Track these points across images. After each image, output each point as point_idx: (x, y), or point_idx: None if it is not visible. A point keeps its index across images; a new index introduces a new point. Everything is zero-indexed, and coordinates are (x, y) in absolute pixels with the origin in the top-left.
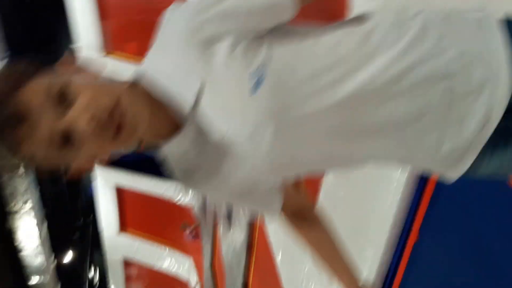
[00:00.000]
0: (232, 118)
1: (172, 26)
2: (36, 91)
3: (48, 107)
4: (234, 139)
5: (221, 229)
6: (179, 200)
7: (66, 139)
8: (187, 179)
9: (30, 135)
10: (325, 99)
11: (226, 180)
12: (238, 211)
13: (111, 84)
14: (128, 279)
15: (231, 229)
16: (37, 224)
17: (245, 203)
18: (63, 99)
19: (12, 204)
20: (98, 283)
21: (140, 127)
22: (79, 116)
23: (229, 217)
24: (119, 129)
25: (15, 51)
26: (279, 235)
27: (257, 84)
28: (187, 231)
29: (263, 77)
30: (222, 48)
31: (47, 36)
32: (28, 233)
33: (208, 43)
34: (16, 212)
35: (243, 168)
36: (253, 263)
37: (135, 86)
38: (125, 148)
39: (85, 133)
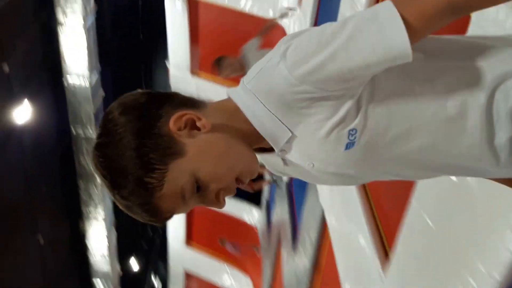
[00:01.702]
0: (318, 161)
1: (276, 72)
2: (171, 197)
3: (189, 202)
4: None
5: (284, 252)
6: (245, 219)
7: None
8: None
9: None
10: (410, 156)
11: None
12: (304, 234)
13: (224, 147)
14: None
15: (296, 253)
16: (107, 233)
17: None
18: (197, 189)
19: (86, 210)
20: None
21: (254, 173)
22: (217, 197)
23: (294, 239)
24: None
25: (109, 65)
26: (349, 263)
27: (350, 145)
28: (229, 245)
29: (355, 140)
30: (319, 112)
31: (141, 53)
32: (97, 240)
33: (307, 104)
34: (88, 218)
35: None
36: None
37: (236, 113)
38: None
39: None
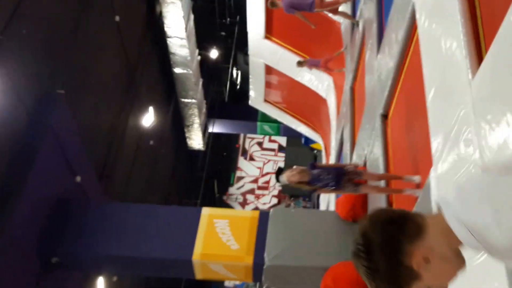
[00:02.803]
0: None
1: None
2: None
3: None
4: None
5: (368, 53)
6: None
7: None
8: None
9: None
10: None
11: None
12: (391, 34)
13: (450, 271)
14: (268, 84)
15: (379, 54)
16: (184, 16)
17: None
18: None
19: None
20: (239, 84)
21: None
22: None
23: (379, 38)
24: None
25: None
26: (436, 66)
27: None
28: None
29: None
30: None
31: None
32: (175, 23)
33: None
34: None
35: None
36: (397, 94)
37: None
38: None
39: None
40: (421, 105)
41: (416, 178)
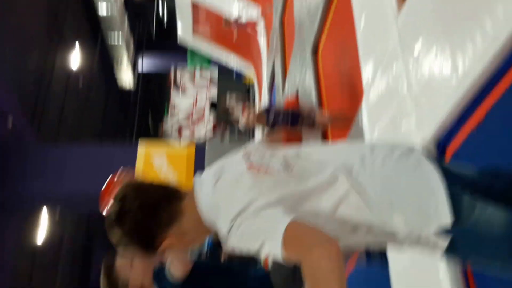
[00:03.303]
0: None
1: None
2: None
3: None
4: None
5: None
6: None
7: None
8: None
9: None
10: None
11: None
12: None
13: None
14: (195, 19)
15: None
16: None
17: None
18: None
19: None
20: (166, 23)
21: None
22: None
23: None
24: None
25: None
26: (365, 5)
27: None
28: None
29: None
30: None
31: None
32: None
33: None
34: None
35: None
36: (328, 25)
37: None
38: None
39: None
40: (351, 39)
41: None
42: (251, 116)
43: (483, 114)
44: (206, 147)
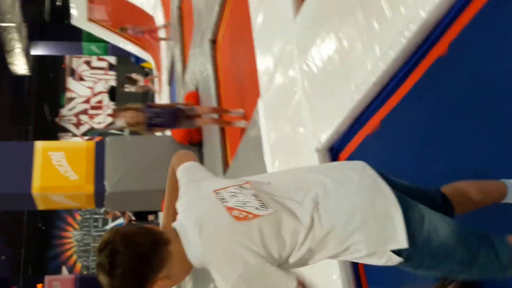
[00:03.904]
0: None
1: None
2: None
3: None
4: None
5: None
6: None
7: None
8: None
9: None
10: None
11: None
12: None
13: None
14: (90, 0)
15: None
16: None
17: None
18: None
19: None
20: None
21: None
22: None
23: None
24: None
25: None
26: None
27: None
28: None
29: None
30: None
31: None
32: None
33: None
34: None
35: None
36: (225, 19)
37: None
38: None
39: None
40: (248, 35)
41: (241, 111)
42: (133, 116)
43: (378, 121)
44: (107, 142)
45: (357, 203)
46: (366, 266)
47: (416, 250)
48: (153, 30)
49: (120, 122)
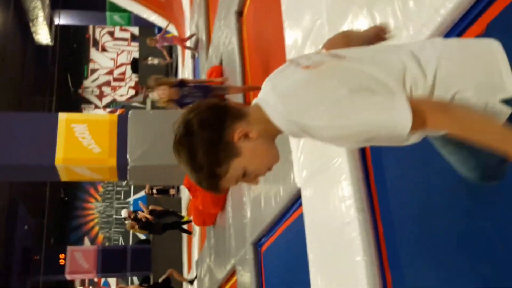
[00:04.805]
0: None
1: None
2: (229, 181)
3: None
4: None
5: None
6: None
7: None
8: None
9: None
10: None
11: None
12: None
13: (265, 151)
14: None
15: None
16: None
17: None
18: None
19: None
20: None
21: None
22: (255, 179)
23: None
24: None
25: None
26: None
27: None
28: None
29: None
30: None
31: None
32: None
33: None
34: None
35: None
36: None
37: (267, 120)
38: None
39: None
40: (277, 4)
41: None
42: (165, 92)
43: None
44: (129, 116)
45: (457, 50)
46: (388, 248)
47: None
48: (182, 40)
49: (153, 95)
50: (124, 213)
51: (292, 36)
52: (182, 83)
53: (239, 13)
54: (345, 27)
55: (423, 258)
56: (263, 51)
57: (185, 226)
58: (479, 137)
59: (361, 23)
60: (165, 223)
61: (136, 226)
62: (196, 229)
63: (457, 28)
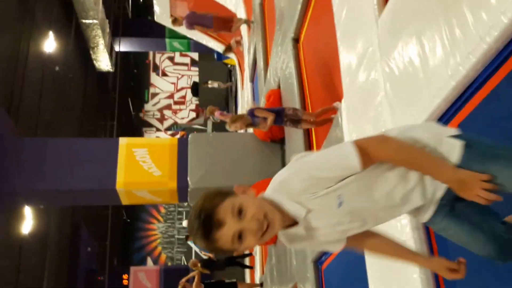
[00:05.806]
0: (325, 219)
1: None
2: (226, 209)
3: (232, 218)
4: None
5: None
6: None
7: (239, 236)
8: (288, 240)
9: (221, 236)
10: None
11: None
12: None
13: (259, 200)
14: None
15: None
16: None
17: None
18: (239, 212)
19: None
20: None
21: (277, 226)
22: (249, 222)
23: None
24: (267, 228)
25: None
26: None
27: (340, 204)
28: None
29: (342, 199)
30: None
31: None
32: None
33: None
34: None
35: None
36: (309, 13)
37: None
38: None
39: (252, 231)
40: (331, 32)
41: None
42: (239, 123)
43: (456, 125)
44: (190, 139)
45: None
46: None
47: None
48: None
49: (231, 129)
50: (185, 223)
51: (347, 61)
52: (252, 114)
53: (296, 40)
54: (395, 54)
55: (478, 275)
56: (320, 75)
57: (246, 260)
58: (412, 161)
59: (411, 51)
60: (227, 257)
61: (199, 265)
62: (257, 248)
63: (502, 54)
